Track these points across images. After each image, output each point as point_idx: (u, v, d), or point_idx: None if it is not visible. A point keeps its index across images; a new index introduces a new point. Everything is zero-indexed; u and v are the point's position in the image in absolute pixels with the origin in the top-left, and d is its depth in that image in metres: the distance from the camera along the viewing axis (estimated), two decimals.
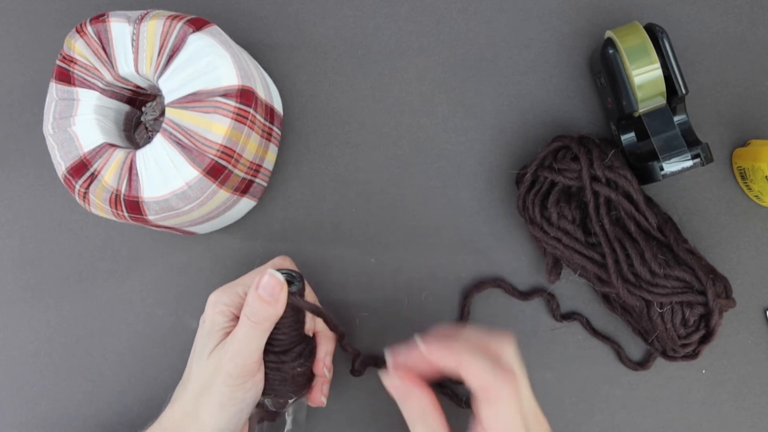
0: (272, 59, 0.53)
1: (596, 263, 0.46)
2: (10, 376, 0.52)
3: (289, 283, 0.42)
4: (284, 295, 0.40)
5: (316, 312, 0.42)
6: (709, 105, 0.51)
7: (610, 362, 0.50)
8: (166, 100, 0.44)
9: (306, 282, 0.45)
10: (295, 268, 0.45)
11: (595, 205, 0.46)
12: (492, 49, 0.52)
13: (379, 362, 0.49)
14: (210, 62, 0.43)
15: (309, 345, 0.44)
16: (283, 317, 0.41)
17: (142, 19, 0.44)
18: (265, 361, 0.42)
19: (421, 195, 0.52)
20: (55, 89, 0.45)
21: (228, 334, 0.41)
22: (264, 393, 0.42)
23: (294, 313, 0.42)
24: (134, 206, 0.43)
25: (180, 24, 0.44)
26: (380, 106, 0.53)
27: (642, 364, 0.50)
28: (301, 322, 0.43)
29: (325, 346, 0.45)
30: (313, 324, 0.46)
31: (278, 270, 0.41)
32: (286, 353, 0.42)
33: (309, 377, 0.45)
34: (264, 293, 0.39)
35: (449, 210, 0.52)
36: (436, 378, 0.40)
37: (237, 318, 0.42)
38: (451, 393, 0.50)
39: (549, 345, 0.50)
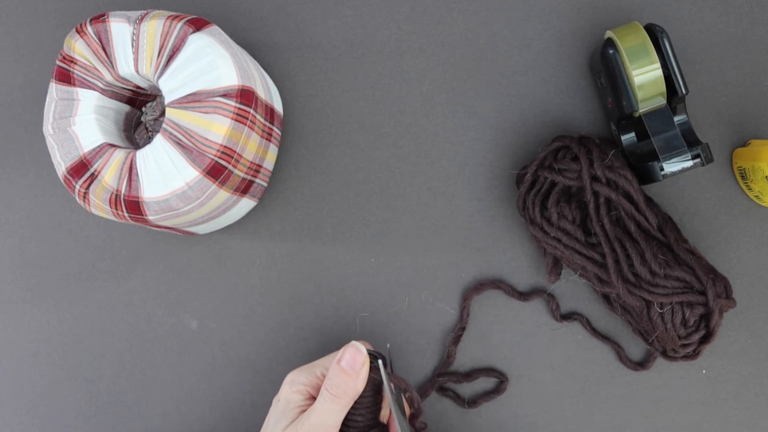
0: (272, 59, 0.53)
1: (596, 263, 0.46)
2: (10, 376, 0.52)
3: (374, 358, 0.42)
4: (365, 370, 0.40)
5: (400, 382, 0.41)
6: (709, 105, 0.51)
7: (610, 362, 0.50)
8: (166, 101, 0.44)
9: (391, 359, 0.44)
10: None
11: (595, 205, 0.46)
12: (492, 49, 0.52)
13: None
14: (210, 62, 0.43)
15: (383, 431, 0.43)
16: (362, 396, 0.41)
17: (142, 19, 0.44)
18: None
19: (421, 195, 0.52)
20: (55, 89, 0.45)
21: (303, 412, 0.41)
22: None
23: (373, 393, 0.42)
24: (134, 206, 0.43)
25: (180, 24, 0.44)
26: (380, 106, 0.52)
27: (642, 364, 0.50)
28: (379, 405, 0.43)
29: None
30: (387, 412, 0.45)
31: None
32: None
33: None
34: (346, 366, 0.40)
35: (449, 210, 0.52)
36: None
37: (313, 398, 0.42)
38: (454, 395, 0.50)
39: (549, 345, 0.50)
